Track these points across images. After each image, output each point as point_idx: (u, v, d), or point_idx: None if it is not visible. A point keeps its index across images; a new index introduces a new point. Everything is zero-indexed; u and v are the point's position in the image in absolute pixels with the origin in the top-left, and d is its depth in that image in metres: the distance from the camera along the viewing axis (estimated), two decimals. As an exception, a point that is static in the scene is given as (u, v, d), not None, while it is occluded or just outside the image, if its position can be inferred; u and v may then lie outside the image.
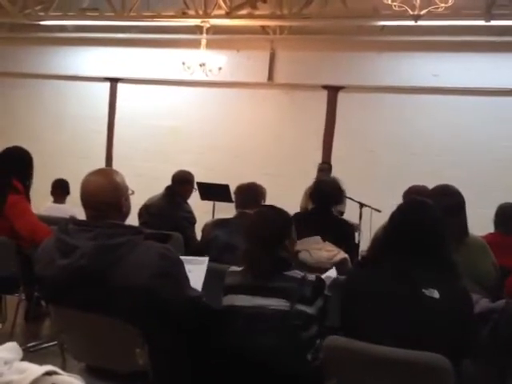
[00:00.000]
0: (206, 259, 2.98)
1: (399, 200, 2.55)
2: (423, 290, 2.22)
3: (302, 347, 2.47)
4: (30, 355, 1.96)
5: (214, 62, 8.13)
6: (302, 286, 2.47)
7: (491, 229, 4.29)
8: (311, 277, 2.54)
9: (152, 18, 8.39)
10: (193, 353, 2.37)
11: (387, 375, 2.19)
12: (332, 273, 3.01)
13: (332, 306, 2.56)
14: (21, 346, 1.95)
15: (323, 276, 2.80)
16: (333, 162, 8.38)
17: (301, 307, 2.44)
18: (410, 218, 2.42)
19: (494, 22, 6.84)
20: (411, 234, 2.35)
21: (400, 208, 2.48)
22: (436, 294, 2.21)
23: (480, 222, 3.54)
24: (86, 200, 2.41)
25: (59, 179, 6.16)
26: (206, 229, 4.32)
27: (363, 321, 2.28)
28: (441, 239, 2.36)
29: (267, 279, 2.50)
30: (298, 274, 2.53)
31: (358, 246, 4.56)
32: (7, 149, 4.38)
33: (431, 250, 2.32)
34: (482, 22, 6.90)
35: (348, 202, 6.77)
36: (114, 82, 9.96)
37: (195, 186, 5.75)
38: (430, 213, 2.42)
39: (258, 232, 2.58)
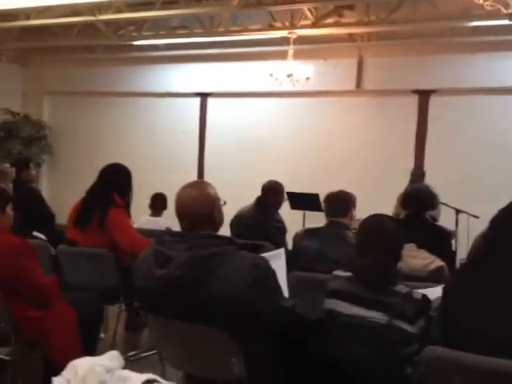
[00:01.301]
0: (281, 251, 2.97)
1: (498, 205, 2.42)
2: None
3: (401, 361, 2.39)
4: (130, 364, 2.02)
5: (302, 72, 8.13)
6: (404, 302, 2.39)
7: None
8: (417, 294, 2.45)
9: (240, 32, 8.52)
10: (287, 361, 2.36)
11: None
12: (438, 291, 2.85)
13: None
14: (122, 354, 2.02)
15: (430, 290, 2.69)
16: (426, 168, 8.16)
17: (400, 324, 2.36)
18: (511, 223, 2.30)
19: None
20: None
21: (501, 213, 2.37)
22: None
23: None
24: (181, 212, 2.47)
25: (158, 193, 6.32)
26: (297, 238, 4.31)
27: (463, 331, 2.19)
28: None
29: (375, 292, 2.44)
30: (402, 289, 2.45)
31: (455, 253, 4.38)
32: (108, 165, 4.59)
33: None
34: None
35: (444, 208, 6.56)
36: (204, 96, 10.19)
37: (285, 196, 5.76)
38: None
39: (377, 242, 2.52)
